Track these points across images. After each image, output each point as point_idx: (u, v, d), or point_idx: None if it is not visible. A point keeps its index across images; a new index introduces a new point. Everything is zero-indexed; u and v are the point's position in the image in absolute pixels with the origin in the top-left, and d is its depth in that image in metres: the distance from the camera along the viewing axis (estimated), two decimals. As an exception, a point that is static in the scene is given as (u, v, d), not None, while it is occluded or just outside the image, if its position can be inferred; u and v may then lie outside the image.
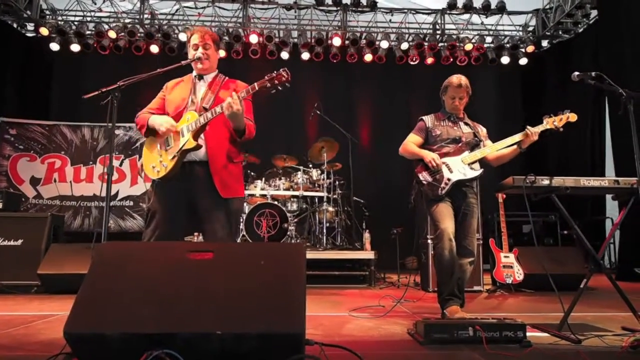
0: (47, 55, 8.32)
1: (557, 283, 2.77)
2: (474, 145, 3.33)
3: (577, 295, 2.77)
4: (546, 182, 2.73)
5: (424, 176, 3.28)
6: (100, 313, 1.64)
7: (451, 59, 8.54)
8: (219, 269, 1.81)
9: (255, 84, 2.54)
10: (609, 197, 6.90)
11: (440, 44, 8.61)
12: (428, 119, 3.44)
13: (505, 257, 4.88)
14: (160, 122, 2.61)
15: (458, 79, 3.34)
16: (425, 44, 8.45)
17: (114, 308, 1.66)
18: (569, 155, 7.89)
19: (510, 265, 4.84)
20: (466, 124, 3.42)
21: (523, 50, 8.50)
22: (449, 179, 3.20)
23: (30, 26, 8.51)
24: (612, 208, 7.04)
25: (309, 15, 8.69)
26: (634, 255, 6.02)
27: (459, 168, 3.24)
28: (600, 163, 7.37)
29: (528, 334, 2.72)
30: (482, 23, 8.56)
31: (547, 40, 8.78)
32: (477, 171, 3.26)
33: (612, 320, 3.17)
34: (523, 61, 8.48)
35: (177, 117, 2.66)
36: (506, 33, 8.66)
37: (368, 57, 8.56)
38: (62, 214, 6.22)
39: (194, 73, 2.82)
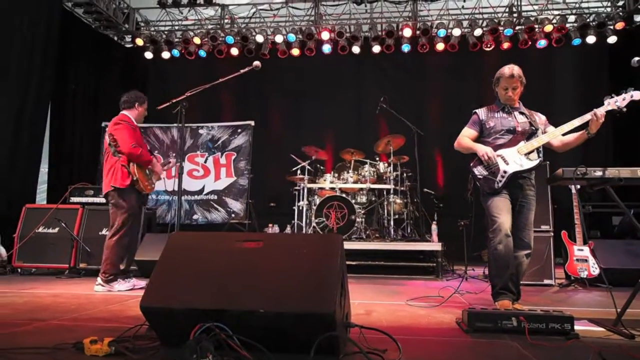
0: (142, 63, 9.22)
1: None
2: (530, 135, 3.28)
3: (635, 289, 2.68)
4: (599, 173, 2.66)
5: (479, 170, 3.30)
6: (169, 291, 1.97)
7: (529, 42, 8.15)
8: (266, 256, 2.07)
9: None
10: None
11: (517, 27, 8.25)
12: (482, 112, 3.45)
13: (579, 250, 4.68)
14: (159, 168, 4.41)
15: (510, 69, 3.30)
16: (501, 28, 8.15)
17: (179, 287, 1.99)
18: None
19: (585, 258, 4.64)
20: (522, 113, 3.37)
21: (612, 27, 7.86)
22: (505, 172, 3.19)
23: (128, 38, 9.47)
24: None
25: (379, 8, 8.76)
26: None
27: (515, 159, 3.21)
28: None
29: (584, 327, 2.72)
30: (563, 1, 8.07)
31: (640, 15, 8.06)
32: (534, 161, 3.21)
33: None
34: (612, 39, 7.86)
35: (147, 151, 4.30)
36: (592, 10, 8.07)
37: (440, 46, 8.45)
38: (155, 207, 6.98)
39: (136, 122, 4.34)
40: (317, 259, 2.01)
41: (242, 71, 3.01)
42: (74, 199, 5.40)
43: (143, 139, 4.38)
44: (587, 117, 3.09)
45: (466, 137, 3.43)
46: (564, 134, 3.22)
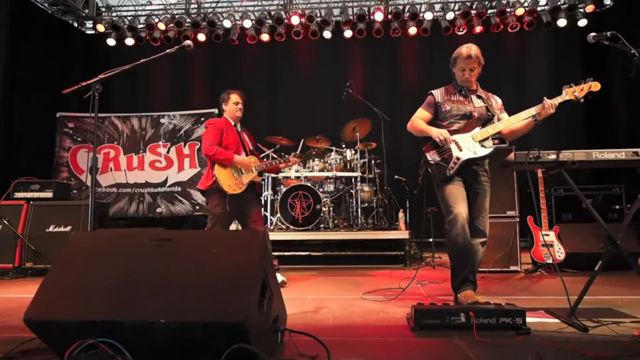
0: (105, 50, 8.80)
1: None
2: (486, 121, 3.12)
3: (590, 278, 2.56)
4: (552, 156, 2.51)
5: (432, 155, 3.13)
6: (58, 301, 1.73)
7: (501, 26, 7.99)
8: (174, 258, 1.83)
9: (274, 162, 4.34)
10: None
11: (489, 11, 8.07)
12: (437, 93, 3.26)
13: (545, 235, 4.57)
14: (247, 163, 3.98)
15: (467, 49, 3.13)
16: (473, 12, 7.97)
17: (71, 296, 1.74)
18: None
19: (551, 244, 4.53)
20: (479, 96, 3.20)
21: (582, 10, 7.72)
22: (458, 158, 3.03)
23: (89, 24, 9.05)
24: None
25: (350, -9, 8.49)
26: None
27: (469, 146, 3.05)
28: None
29: (538, 320, 2.59)
30: (535, -17, 7.89)
31: (610, -3, 7.92)
32: (488, 149, 3.05)
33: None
34: (582, 23, 7.72)
35: (237, 152, 3.96)
36: (562, -8, 7.92)
37: (412, 31, 8.24)
38: (107, 201, 6.74)
39: (232, 122, 4.06)
40: (231, 259, 1.79)
41: (168, 51, 2.77)
42: (18, 195, 5.09)
43: (236, 139, 4.01)
44: (540, 106, 2.97)
45: (420, 119, 3.24)
46: None
